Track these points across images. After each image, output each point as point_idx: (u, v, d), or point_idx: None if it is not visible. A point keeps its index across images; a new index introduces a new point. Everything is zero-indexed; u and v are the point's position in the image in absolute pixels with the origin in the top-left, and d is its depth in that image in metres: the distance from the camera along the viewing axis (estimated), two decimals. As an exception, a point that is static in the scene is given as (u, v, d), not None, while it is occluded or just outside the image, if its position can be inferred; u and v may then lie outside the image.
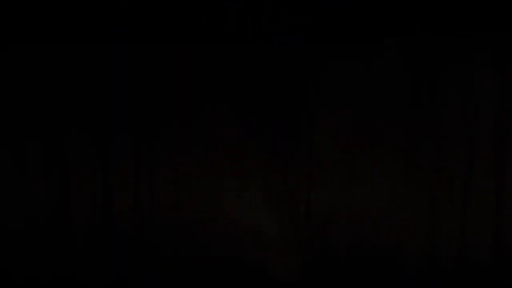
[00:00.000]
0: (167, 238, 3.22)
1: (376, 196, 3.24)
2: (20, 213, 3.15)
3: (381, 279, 3.23)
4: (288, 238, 3.30)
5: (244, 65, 3.17)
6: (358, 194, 3.25)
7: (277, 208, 3.39)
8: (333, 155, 3.19)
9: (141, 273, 3.28)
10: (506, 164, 3.05)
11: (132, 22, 3.09)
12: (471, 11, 3.07)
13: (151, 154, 3.17)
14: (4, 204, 3.13)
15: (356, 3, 3.01)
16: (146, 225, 3.21)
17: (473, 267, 3.10)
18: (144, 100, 3.19)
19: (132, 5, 3.10)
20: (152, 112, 3.19)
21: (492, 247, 3.05)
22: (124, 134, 3.16)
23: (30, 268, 3.25)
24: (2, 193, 3.14)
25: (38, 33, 3.12)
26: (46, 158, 3.13)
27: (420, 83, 3.08)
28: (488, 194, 3.07)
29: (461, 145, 3.07)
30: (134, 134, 3.18)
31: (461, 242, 3.12)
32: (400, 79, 3.12)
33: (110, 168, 3.17)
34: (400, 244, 3.16)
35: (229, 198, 3.23)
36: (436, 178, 3.12)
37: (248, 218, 3.28)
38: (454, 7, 3.06)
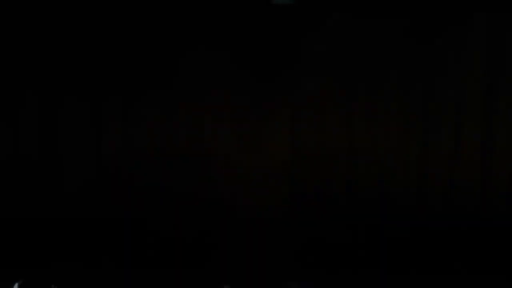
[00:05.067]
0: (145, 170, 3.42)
1: (370, 137, 3.32)
2: (14, 150, 3.32)
3: (373, 214, 3.33)
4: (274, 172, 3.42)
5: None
6: (353, 135, 3.32)
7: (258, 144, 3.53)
8: (327, 96, 3.26)
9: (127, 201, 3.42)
10: (493, 113, 3.11)
11: None
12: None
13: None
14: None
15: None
16: (134, 161, 3.35)
17: (461, 208, 3.17)
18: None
19: None
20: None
21: (480, 192, 3.13)
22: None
23: (20, 204, 3.40)
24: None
25: None
26: (39, 112, 3.28)
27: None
28: (476, 139, 3.14)
29: (451, 89, 3.13)
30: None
31: (449, 179, 3.19)
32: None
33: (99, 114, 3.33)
34: (392, 182, 3.25)
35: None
36: (427, 122, 3.19)
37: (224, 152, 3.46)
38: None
